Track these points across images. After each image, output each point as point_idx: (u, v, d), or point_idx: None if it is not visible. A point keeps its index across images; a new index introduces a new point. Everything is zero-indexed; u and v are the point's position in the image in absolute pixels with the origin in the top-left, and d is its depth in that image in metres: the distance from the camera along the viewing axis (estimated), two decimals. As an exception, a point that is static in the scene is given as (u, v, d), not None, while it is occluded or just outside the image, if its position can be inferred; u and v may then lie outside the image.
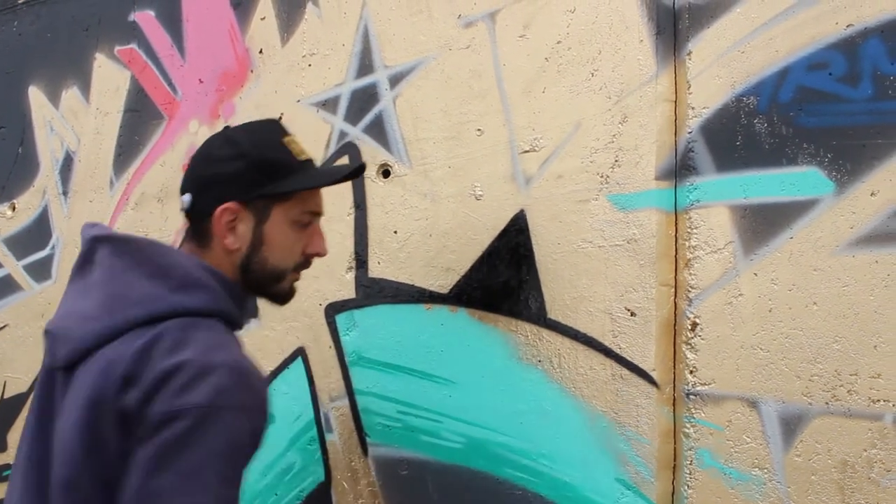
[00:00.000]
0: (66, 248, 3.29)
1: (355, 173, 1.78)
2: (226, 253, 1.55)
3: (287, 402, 2.48)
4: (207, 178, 1.55)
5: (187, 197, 1.55)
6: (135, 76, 3.17)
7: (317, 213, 1.64)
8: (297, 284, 1.67)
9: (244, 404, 1.38)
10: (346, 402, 2.37)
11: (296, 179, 1.58)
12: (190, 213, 1.56)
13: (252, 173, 1.54)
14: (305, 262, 1.64)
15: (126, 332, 1.40)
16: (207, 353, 1.37)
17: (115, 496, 1.34)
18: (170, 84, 3.04)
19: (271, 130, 1.63)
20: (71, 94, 3.39)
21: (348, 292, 2.39)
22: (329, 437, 2.42)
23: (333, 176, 1.69)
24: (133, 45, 3.20)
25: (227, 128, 1.66)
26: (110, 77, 3.27)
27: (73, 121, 3.39)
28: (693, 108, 1.90)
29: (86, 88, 3.36)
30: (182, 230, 1.65)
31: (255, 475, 2.51)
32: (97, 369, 1.39)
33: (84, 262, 1.55)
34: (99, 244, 1.53)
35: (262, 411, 1.43)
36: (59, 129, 3.44)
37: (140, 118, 3.12)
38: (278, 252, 1.58)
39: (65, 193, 3.36)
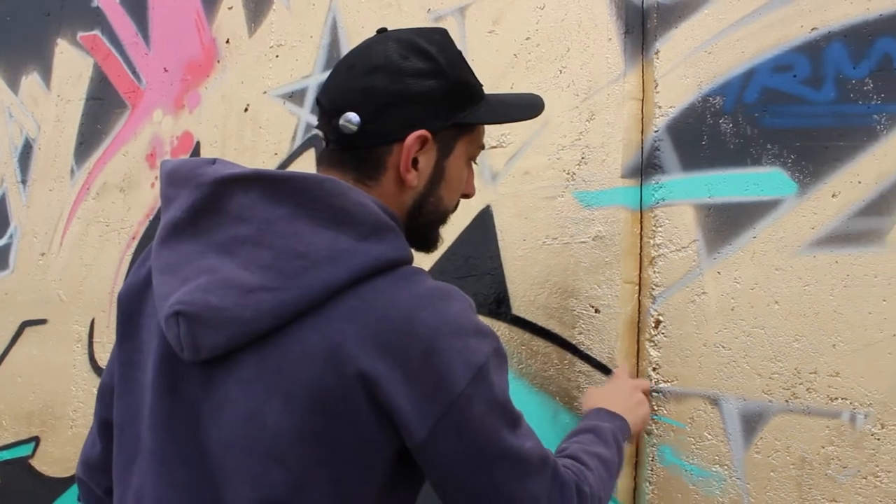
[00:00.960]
0: (24, 238, 3.24)
1: (540, 105, 1.53)
2: (399, 189, 1.29)
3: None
4: (393, 95, 1.25)
5: (355, 117, 1.23)
6: (98, 63, 3.13)
7: (483, 147, 1.44)
8: None
9: (495, 344, 1.20)
10: None
11: (489, 110, 1.39)
12: (354, 139, 1.25)
13: (449, 96, 1.30)
14: (456, 207, 1.43)
15: (323, 302, 1.12)
16: (442, 312, 1.15)
17: (349, 497, 1.14)
18: (134, 72, 3.00)
19: (452, 42, 1.37)
20: (31, 80, 3.34)
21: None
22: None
23: (528, 110, 1.50)
24: (96, 32, 3.15)
25: (388, 31, 1.35)
26: (72, 63, 3.23)
27: (33, 107, 3.34)
28: (660, 107, 1.92)
29: (47, 74, 3.30)
30: (321, 156, 1.32)
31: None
32: (303, 358, 1.11)
33: (204, 214, 1.17)
34: (234, 187, 1.17)
35: (497, 340, 1.22)
36: (18, 115, 3.39)
37: (103, 106, 3.08)
38: (452, 191, 1.37)
39: (23, 182, 3.31)
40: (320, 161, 1.32)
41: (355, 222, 1.16)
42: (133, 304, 1.30)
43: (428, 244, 1.41)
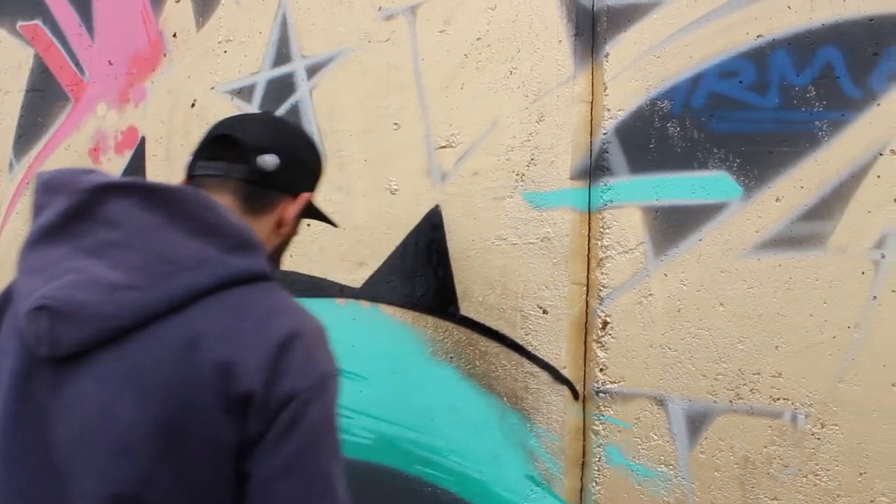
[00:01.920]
0: (-40, 232, 3.14)
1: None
2: (272, 232, 1.41)
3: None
4: (302, 158, 1.45)
5: (274, 159, 1.37)
6: (39, 54, 3.05)
7: None
8: None
9: (339, 372, 1.27)
10: None
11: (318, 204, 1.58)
12: (267, 176, 1.37)
13: (318, 176, 1.52)
14: None
15: (185, 304, 1.16)
16: (298, 321, 1.23)
17: (198, 499, 1.15)
18: (77, 64, 2.93)
19: None
20: (-32, 71, 3.24)
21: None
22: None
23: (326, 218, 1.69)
24: (38, 22, 3.07)
25: (275, 116, 1.59)
26: (11, 53, 3.14)
27: (-30, 99, 3.24)
28: (609, 110, 1.93)
29: (-15, 65, 3.21)
30: (218, 177, 1.37)
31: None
32: (161, 354, 1.14)
33: (73, 219, 1.21)
34: (109, 195, 1.21)
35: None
36: (-45, 107, 3.29)
37: (44, 98, 3.00)
38: (288, 244, 1.52)
39: (-40, 175, 3.21)
40: (203, 184, 1.37)
41: (223, 235, 1.23)
42: None
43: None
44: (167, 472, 1.12)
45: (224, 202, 1.32)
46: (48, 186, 1.24)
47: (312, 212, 1.58)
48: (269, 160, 1.36)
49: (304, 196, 1.43)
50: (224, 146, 1.38)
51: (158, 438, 1.12)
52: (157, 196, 1.21)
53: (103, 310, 1.13)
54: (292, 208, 1.41)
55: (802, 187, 1.70)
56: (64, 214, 1.20)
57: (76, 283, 1.14)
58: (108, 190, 1.20)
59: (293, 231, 1.49)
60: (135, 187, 1.21)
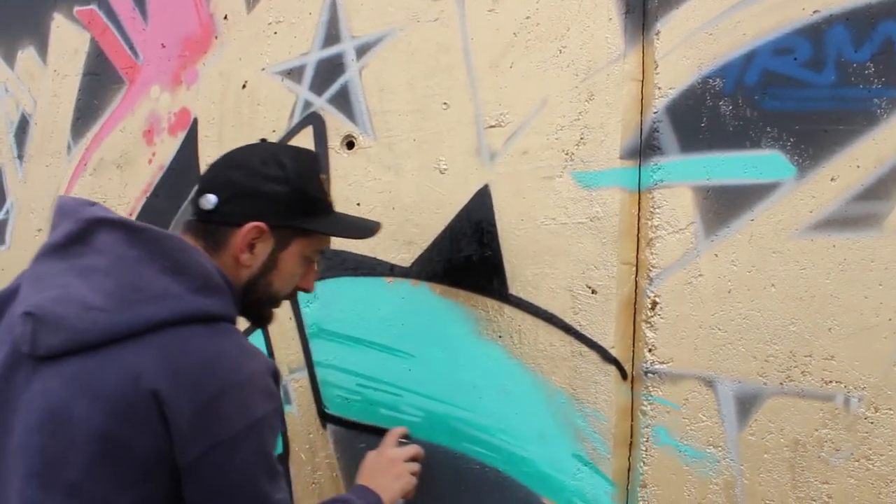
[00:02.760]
0: (20, 214, 3.23)
1: (375, 230, 1.84)
2: (235, 265, 1.56)
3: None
4: (244, 189, 1.56)
5: (213, 198, 1.53)
6: (94, 38, 3.11)
7: (323, 253, 1.73)
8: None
9: (277, 407, 1.46)
10: (305, 374, 2.36)
11: (327, 222, 1.68)
12: (210, 215, 1.55)
13: (291, 202, 1.59)
14: (292, 295, 1.71)
15: (145, 332, 1.36)
16: (241, 367, 1.40)
17: (134, 493, 1.35)
18: (131, 48, 2.98)
19: (313, 162, 1.70)
20: (27, 55, 3.32)
21: (310, 264, 2.38)
22: (287, 409, 2.41)
23: (361, 231, 1.80)
24: (93, 6, 3.13)
25: (266, 142, 1.71)
26: (69, 38, 3.21)
27: (29, 82, 3.32)
28: (659, 88, 1.91)
29: (43, 49, 3.28)
30: (183, 222, 1.61)
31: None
32: (115, 371, 1.34)
33: (74, 242, 1.44)
34: (102, 227, 1.45)
35: (280, 406, 1.49)
36: (14, 90, 3.37)
37: (99, 82, 3.06)
38: (282, 280, 1.63)
39: (20, 157, 3.30)
40: (180, 226, 1.61)
41: (190, 275, 1.42)
42: (2, 302, 1.54)
43: (260, 320, 1.70)
44: (103, 468, 1.33)
45: (194, 242, 1.54)
46: (61, 210, 1.49)
47: (329, 230, 1.71)
48: (208, 199, 1.54)
49: (252, 224, 1.54)
50: (195, 191, 1.60)
51: (98, 441, 1.32)
52: (139, 234, 1.44)
53: (76, 324, 1.35)
54: (240, 239, 1.54)
55: (859, 166, 1.66)
56: (66, 237, 1.44)
57: (59, 298, 1.37)
58: (101, 223, 1.44)
59: (271, 264, 1.60)
60: (122, 224, 1.44)
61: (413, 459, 1.97)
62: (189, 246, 1.49)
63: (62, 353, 1.36)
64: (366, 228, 1.82)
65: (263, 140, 1.69)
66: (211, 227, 1.55)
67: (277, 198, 1.57)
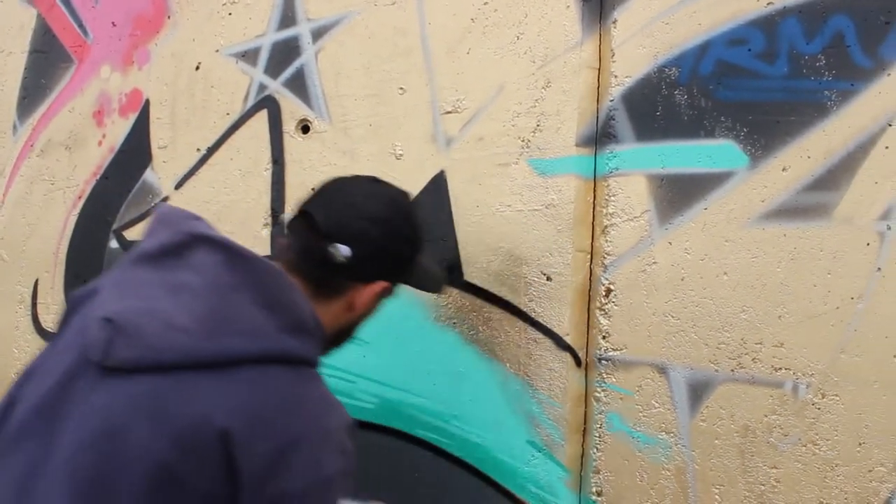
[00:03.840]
0: (-35, 194, 3.14)
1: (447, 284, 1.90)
2: (340, 316, 1.51)
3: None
4: (380, 249, 1.49)
5: (347, 251, 1.43)
6: (41, 14, 3.03)
7: None
8: None
9: (349, 467, 1.35)
10: None
11: (423, 277, 1.67)
12: (337, 267, 1.44)
13: (409, 262, 1.58)
14: None
15: (226, 364, 1.26)
16: (320, 419, 1.31)
17: None
18: (80, 25, 2.91)
19: (417, 213, 1.63)
20: (-29, 31, 3.22)
21: (263, 249, 2.35)
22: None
23: (440, 284, 1.82)
24: (40, -18, 3.05)
25: (386, 187, 1.61)
26: (13, 14, 3.12)
27: (-28, 60, 3.22)
28: (616, 77, 1.91)
29: (-13, 26, 3.19)
30: (289, 259, 1.47)
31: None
32: (187, 400, 1.23)
33: (169, 255, 1.35)
34: (202, 245, 1.36)
35: (353, 467, 1.39)
36: (-42, 67, 3.27)
37: (47, 60, 2.99)
38: (365, 320, 1.61)
39: (-37, 136, 3.20)
40: (286, 258, 1.48)
41: (284, 313, 1.32)
42: (78, 302, 1.40)
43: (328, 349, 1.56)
44: (153, 500, 1.20)
45: (296, 281, 1.41)
46: (162, 219, 1.40)
47: (422, 284, 1.70)
48: (340, 251, 1.42)
49: (379, 284, 1.50)
50: (304, 224, 1.47)
51: (154, 470, 1.20)
52: (241, 260, 1.34)
53: (156, 342, 1.23)
54: (365, 295, 1.50)
55: (809, 157, 1.69)
56: (161, 248, 1.34)
57: (143, 310, 1.25)
58: (202, 240, 1.34)
59: (368, 312, 1.56)
60: (225, 247, 1.35)
61: None
62: (290, 283, 1.38)
63: (133, 368, 1.24)
64: (442, 283, 1.86)
65: (376, 179, 1.62)
66: (329, 275, 1.46)
67: (402, 260, 1.56)
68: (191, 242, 1.35)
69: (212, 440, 1.21)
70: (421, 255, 1.62)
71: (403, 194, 1.64)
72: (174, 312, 1.26)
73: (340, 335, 1.57)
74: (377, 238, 1.48)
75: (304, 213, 1.49)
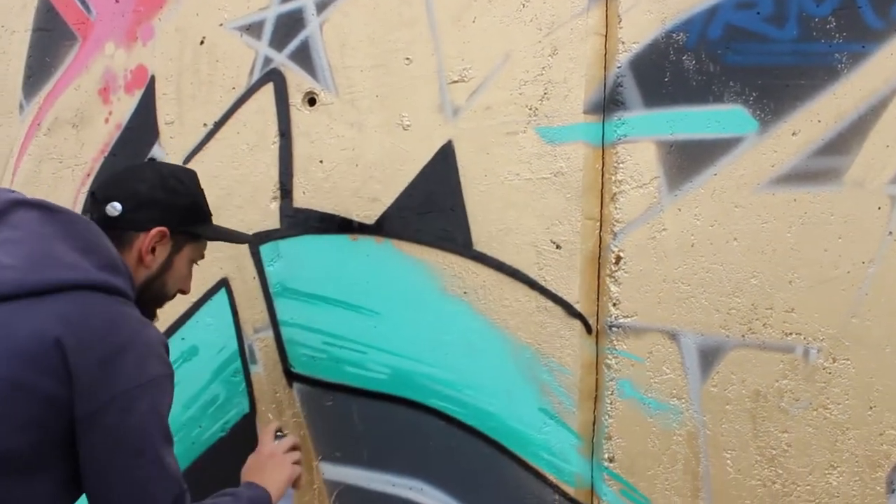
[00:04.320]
0: (-28, 174, 3.14)
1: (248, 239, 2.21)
2: (137, 266, 1.75)
3: (210, 333, 2.45)
4: (148, 198, 1.76)
5: (119, 206, 1.73)
6: (44, -8, 3.01)
7: (201, 259, 1.94)
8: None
9: (170, 374, 1.60)
10: (270, 333, 2.35)
11: (213, 231, 1.93)
12: (116, 221, 1.73)
13: (187, 211, 1.82)
14: (174, 296, 1.90)
15: (51, 292, 1.49)
16: (140, 332, 1.55)
17: (30, 435, 1.45)
18: (83, 2, 2.90)
19: (198, 181, 1.92)
20: (-27, 10, 3.21)
21: (272, 222, 2.35)
22: (253, 369, 2.41)
23: (240, 238, 2.10)
24: (41, -41, 3.03)
25: (158, 162, 2.02)
26: (16, -8, 3.10)
27: (-24, 39, 3.21)
28: (623, 43, 1.90)
29: (-11, 4, 3.18)
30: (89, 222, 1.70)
31: (179, 407, 2.47)
32: (24, 321, 1.46)
33: None
34: (20, 207, 1.59)
35: (173, 376, 1.63)
36: (-38, 47, 3.26)
37: (50, 38, 2.98)
38: (173, 281, 1.84)
39: (-30, 116, 3.20)
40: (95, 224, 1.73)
41: (98, 256, 1.58)
42: None
43: (148, 318, 1.78)
44: (4, 409, 1.43)
45: None
46: None
47: (217, 235, 1.95)
48: (114, 207, 1.73)
49: (157, 229, 1.75)
50: (92, 200, 1.80)
51: (3, 383, 1.43)
52: (57, 214, 1.60)
53: None
54: (146, 242, 1.74)
55: (819, 121, 1.68)
56: None
57: None
58: (19, 204, 1.59)
59: (168, 265, 1.80)
60: (40, 206, 1.60)
61: (293, 449, 2.01)
62: (100, 232, 1.64)
63: None
64: (243, 236, 2.13)
65: (152, 159, 2.00)
66: (115, 231, 1.71)
67: (176, 207, 1.80)
68: (9, 207, 1.58)
69: (49, 348, 1.44)
70: (201, 208, 1.88)
71: (182, 167, 2.02)
72: (3, 258, 1.50)
73: (152, 291, 1.79)
74: (145, 192, 1.76)
75: (91, 192, 1.83)
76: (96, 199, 1.77)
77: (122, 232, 1.73)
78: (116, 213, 1.73)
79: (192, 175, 1.93)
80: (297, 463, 2.02)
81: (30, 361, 1.44)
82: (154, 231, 1.74)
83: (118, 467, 1.49)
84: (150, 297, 1.80)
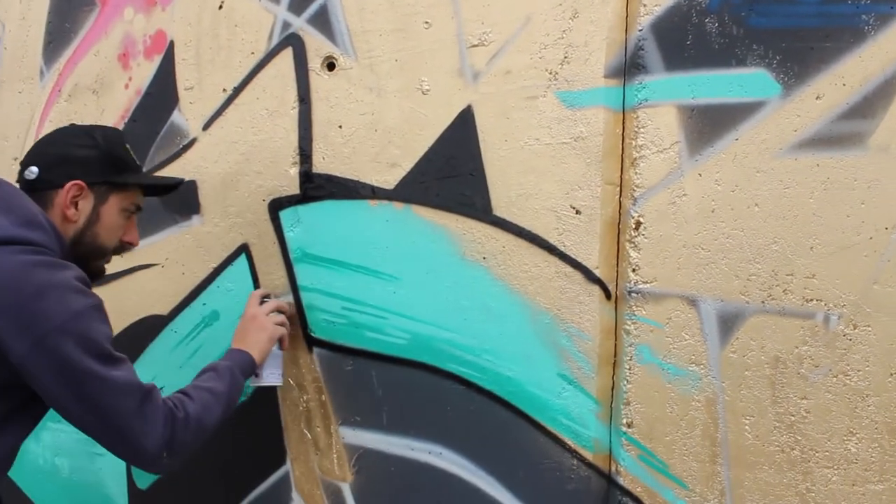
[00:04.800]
0: (-5, 140, 3.17)
1: (178, 186, 2.15)
2: (63, 222, 1.83)
3: (231, 299, 2.47)
4: (60, 156, 1.87)
5: (35, 169, 1.84)
6: (63, -43, 3.01)
7: (139, 208, 2.00)
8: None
9: (96, 302, 1.71)
10: (290, 298, 2.36)
11: (134, 176, 1.98)
12: (35, 183, 1.84)
13: (102, 163, 1.89)
14: (120, 248, 1.98)
15: None
16: (57, 273, 1.66)
17: None
18: (102, -34, 2.89)
19: (119, 134, 2.02)
20: (-7, -24, 3.21)
21: (292, 188, 2.36)
22: (273, 333, 2.42)
23: (165, 182, 2.12)
24: (59, -77, 3.02)
25: (74, 125, 2.06)
26: (36, -43, 3.10)
27: (-3, 4, 3.22)
28: (644, 6, 1.88)
29: (9, -31, 3.18)
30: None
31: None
32: None
33: None
34: None
35: (100, 302, 1.74)
36: (-18, 13, 3.27)
37: (70, 4, 2.98)
38: (106, 232, 1.91)
39: (-9, 83, 3.22)
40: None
41: (16, 214, 1.69)
42: None
43: (92, 273, 1.89)
44: None
45: None
46: None
47: (138, 180, 2.00)
48: (31, 170, 1.84)
49: (72, 182, 1.83)
50: (19, 168, 1.90)
51: None
52: None
53: None
54: (64, 196, 1.82)
55: (844, 84, 1.66)
56: None
57: None
58: None
59: (94, 217, 1.88)
60: None
61: (278, 311, 2.18)
62: (21, 194, 1.78)
63: None
64: (170, 182, 2.12)
65: (73, 124, 2.07)
66: (37, 193, 1.82)
67: (90, 160, 1.88)
68: None
69: None
70: (119, 158, 1.94)
71: (98, 126, 2.13)
72: None
73: (85, 245, 1.87)
74: (55, 152, 1.88)
75: (21, 164, 1.91)
76: (21, 168, 1.89)
77: (42, 193, 1.83)
78: (33, 177, 1.84)
79: (109, 129, 2.03)
80: (281, 325, 2.18)
81: None
82: (68, 185, 1.83)
83: (71, 396, 1.64)
84: (85, 251, 1.88)
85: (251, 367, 2.05)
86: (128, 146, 1.99)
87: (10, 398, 1.71)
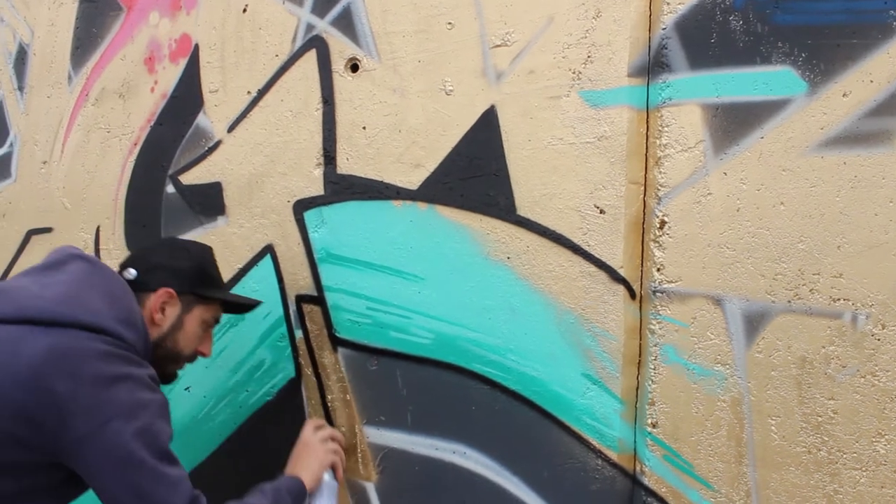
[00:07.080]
0: (24, 147, 3.21)
1: (255, 307, 2.25)
2: (150, 324, 1.94)
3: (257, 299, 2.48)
4: (156, 264, 2.01)
5: (133, 271, 1.97)
6: (90, -37, 3.04)
7: (217, 321, 2.12)
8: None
9: (161, 400, 1.78)
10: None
11: (220, 292, 2.11)
12: (131, 283, 1.95)
13: (193, 275, 2.03)
14: (192, 357, 2.08)
15: (67, 326, 1.69)
16: (132, 367, 1.74)
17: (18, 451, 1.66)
18: (128, -28, 2.92)
19: (210, 253, 2.15)
20: (21, -17, 3.25)
21: (317, 189, 2.37)
22: (298, 334, 2.44)
23: (245, 301, 2.21)
24: (86, -70, 3.06)
25: (174, 238, 2.32)
26: (63, -36, 3.14)
27: (24, 11, 3.26)
28: (668, 4, 1.87)
29: (37, -24, 3.22)
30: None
31: (226, 372, 2.53)
32: (32, 341, 1.65)
33: (50, 268, 1.85)
34: (77, 259, 1.87)
35: (165, 402, 1.81)
36: (9, 19, 3.32)
37: (97, 9, 3.01)
38: (186, 340, 2.02)
39: (20, 89, 3.26)
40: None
41: (120, 308, 1.81)
42: None
43: (164, 377, 1.99)
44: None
45: None
46: (56, 249, 1.95)
47: (224, 297, 2.13)
48: (129, 272, 1.98)
49: (164, 289, 1.96)
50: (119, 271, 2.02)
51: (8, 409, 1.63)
52: (101, 269, 1.89)
53: (24, 303, 1.72)
54: (155, 301, 1.95)
55: (872, 81, 1.64)
56: (45, 264, 1.89)
57: (20, 287, 1.79)
58: (78, 257, 1.88)
59: (178, 324, 2.00)
60: (93, 261, 1.91)
61: (332, 440, 2.20)
62: (129, 291, 1.90)
63: (7, 321, 1.69)
64: (251, 302, 2.23)
65: (173, 237, 2.27)
66: (136, 292, 1.93)
67: (183, 271, 2.02)
68: (68, 259, 1.87)
69: (42, 372, 1.63)
70: (208, 273, 2.09)
71: (195, 242, 2.22)
72: (43, 292, 1.75)
73: (165, 348, 1.98)
74: (155, 259, 2.03)
75: (121, 265, 2.05)
76: (120, 269, 2.01)
77: (137, 293, 1.94)
78: (132, 278, 1.97)
79: (203, 247, 2.17)
80: (335, 452, 2.19)
81: (22, 382, 1.62)
82: (161, 291, 1.96)
83: (121, 483, 1.67)
84: (164, 354, 1.98)
85: (300, 491, 2.03)
86: (217, 264, 2.15)
87: (47, 476, 1.73)
